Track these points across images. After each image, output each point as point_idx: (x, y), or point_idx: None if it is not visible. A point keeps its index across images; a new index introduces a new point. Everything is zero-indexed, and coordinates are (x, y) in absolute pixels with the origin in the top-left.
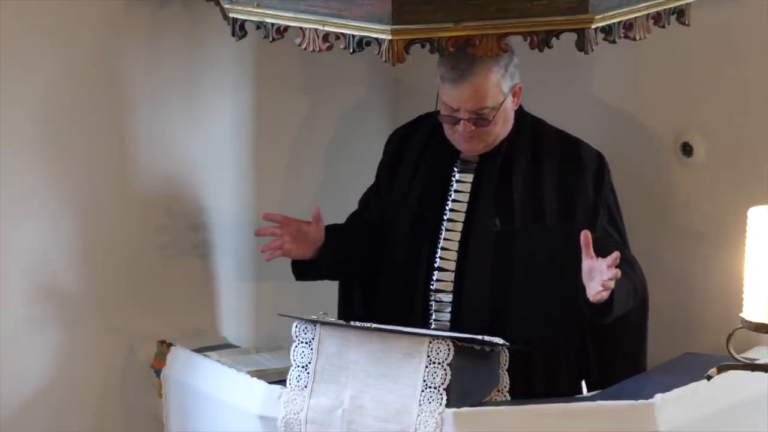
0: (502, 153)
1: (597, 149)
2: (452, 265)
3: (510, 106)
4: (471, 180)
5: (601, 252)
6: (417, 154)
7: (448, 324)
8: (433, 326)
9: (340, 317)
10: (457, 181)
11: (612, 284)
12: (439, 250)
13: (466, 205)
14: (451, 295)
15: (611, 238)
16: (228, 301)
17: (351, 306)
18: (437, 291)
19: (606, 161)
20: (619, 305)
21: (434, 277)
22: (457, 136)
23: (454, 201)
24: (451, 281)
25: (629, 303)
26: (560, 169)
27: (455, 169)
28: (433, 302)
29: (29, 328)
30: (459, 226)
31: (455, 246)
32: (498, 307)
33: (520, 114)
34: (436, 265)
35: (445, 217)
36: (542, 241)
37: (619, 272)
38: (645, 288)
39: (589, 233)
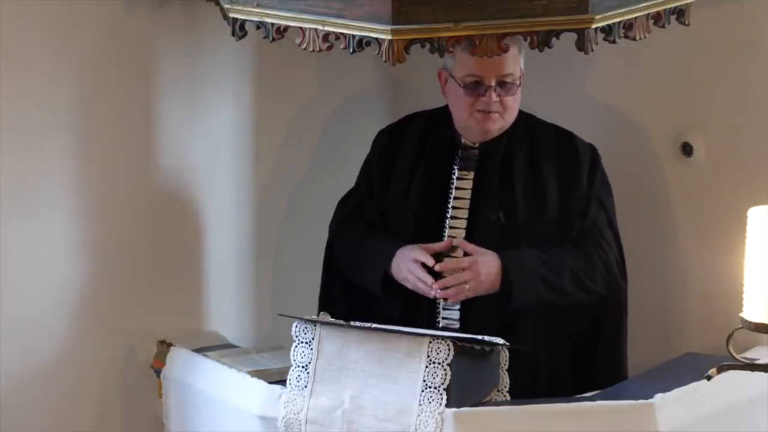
0: (502, 148)
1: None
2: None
3: (519, 91)
4: (472, 177)
5: (580, 242)
6: (412, 153)
7: (458, 322)
8: (441, 325)
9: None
10: (458, 179)
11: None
12: None
13: (468, 201)
14: None
15: (596, 230)
16: (228, 301)
17: (333, 303)
18: None
19: (598, 153)
20: (524, 288)
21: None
22: (477, 114)
23: (456, 198)
24: None
25: (547, 289)
26: (558, 161)
27: (455, 166)
28: (441, 300)
29: (29, 328)
30: (463, 224)
31: None
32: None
33: None
34: None
35: (448, 215)
36: (546, 234)
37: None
38: (617, 288)
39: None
